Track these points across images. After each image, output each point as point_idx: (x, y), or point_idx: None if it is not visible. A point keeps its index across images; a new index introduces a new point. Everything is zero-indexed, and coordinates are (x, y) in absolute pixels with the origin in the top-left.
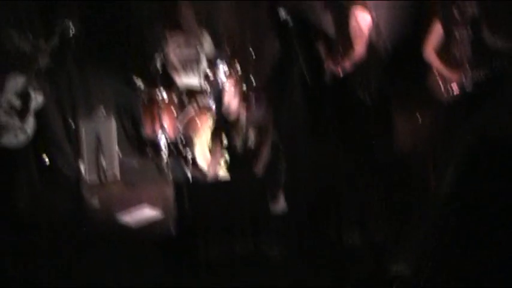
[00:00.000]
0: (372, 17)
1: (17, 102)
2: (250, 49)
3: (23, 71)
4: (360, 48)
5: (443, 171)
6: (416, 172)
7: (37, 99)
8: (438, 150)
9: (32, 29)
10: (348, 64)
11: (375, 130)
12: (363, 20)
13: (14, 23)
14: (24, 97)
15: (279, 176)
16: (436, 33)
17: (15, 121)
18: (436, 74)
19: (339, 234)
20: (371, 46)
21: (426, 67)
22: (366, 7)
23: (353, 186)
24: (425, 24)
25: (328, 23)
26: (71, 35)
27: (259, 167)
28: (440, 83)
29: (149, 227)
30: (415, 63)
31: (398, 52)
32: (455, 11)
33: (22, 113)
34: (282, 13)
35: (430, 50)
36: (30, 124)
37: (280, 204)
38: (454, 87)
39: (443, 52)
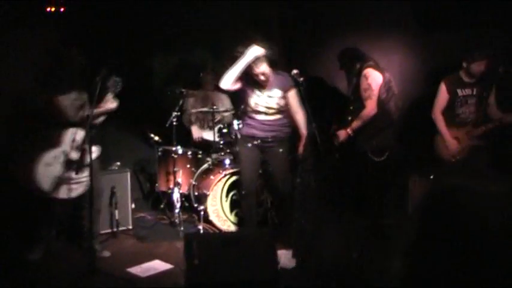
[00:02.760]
0: (384, 77)
1: (74, 156)
2: None
3: (82, 124)
4: (370, 107)
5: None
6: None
7: (91, 153)
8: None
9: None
10: (356, 123)
11: (387, 192)
12: (374, 80)
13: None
14: (82, 151)
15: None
16: (443, 95)
17: (71, 174)
18: (442, 133)
19: None
20: (382, 105)
21: (433, 127)
22: (378, 68)
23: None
24: (432, 87)
25: (341, 83)
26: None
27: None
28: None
29: (160, 280)
30: (423, 124)
31: (409, 112)
32: (462, 75)
33: (78, 167)
34: (297, 74)
35: (437, 111)
36: (84, 178)
37: (291, 263)
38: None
39: (448, 112)
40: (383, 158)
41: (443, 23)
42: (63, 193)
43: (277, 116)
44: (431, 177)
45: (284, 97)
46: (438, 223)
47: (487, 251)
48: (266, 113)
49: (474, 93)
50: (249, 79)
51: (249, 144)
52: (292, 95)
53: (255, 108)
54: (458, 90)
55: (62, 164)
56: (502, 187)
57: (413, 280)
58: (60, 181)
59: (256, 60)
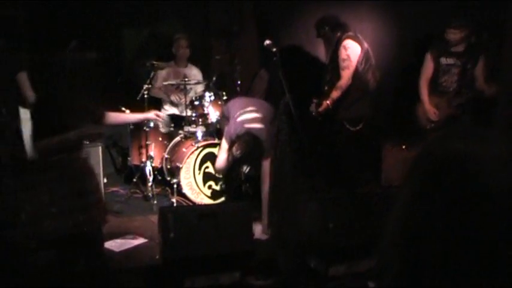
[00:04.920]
0: (362, 48)
1: None
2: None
3: None
4: (346, 77)
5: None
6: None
7: None
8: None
9: None
10: (335, 94)
11: (362, 161)
12: (353, 51)
13: None
14: None
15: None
16: (428, 63)
17: None
18: (423, 103)
19: (326, 267)
20: (360, 76)
21: (413, 98)
22: (357, 38)
23: (339, 218)
24: (411, 56)
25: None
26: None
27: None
28: (424, 112)
29: (134, 255)
30: (402, 94)
31: (387, 83)
32: (445, 46)
33: None
34: (270, 45)
35: (421, 79)
36: None
37: (266, 234)
38: (437, 113)
39: (432, 80)
40: (358, 128)
41: None
42: None
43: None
44: (404, 147)
45: None
46: (444, 196)
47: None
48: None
49: (458, 63)
50: None
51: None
52: None
53: None
54: (442, 59)
55: None
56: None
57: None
58: None
59: None
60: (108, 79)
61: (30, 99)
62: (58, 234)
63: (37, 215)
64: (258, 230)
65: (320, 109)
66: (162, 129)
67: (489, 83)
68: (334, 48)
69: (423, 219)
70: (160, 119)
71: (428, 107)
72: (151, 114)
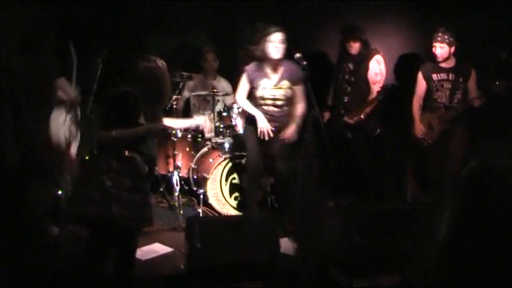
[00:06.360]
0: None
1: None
2: None
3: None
4: (376, 91)
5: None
6: None
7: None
8: None
9: None
10: (369, 107)
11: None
12: (383, 66)
13: None
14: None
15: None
16: (420, 81)
17: None
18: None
19: (349, 281)
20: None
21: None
22: (381, 54)
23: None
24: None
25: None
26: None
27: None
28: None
29: (160, 263)
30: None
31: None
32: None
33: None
34: (300, 58)
35: (414, 97)
36: None
37: (291, 247)
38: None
39: (427, 97)
40: (377, 133)
41: (441, 8)
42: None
43: (284, 108)
44: None
45: (291, 88)
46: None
47: None
48: (273, 105)
49: (450, 78)
50: (257, 69)
51: (254, 129)
52: (301, 88)
53: (261, 100)
54: (434, 75)
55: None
56: None
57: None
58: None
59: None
60: None
61: (74, 98)
62: (114, 222)
63: (103, 197)
64: (284, 242)
65: (352, 121)
66: (208, 135)
67: (480, 93)
68: (358, 61)
69: (470, 231)
70: (208, 126)
71: (418, 125)
72: (201, 121)
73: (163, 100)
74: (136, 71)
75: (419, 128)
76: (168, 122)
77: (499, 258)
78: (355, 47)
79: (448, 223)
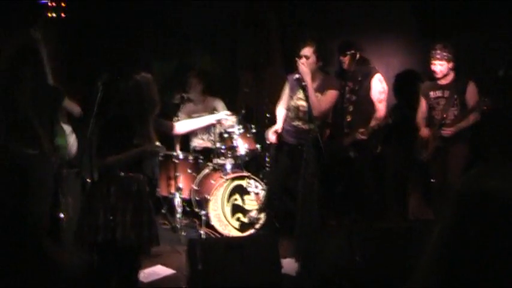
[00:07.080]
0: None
1: None
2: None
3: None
4: (384, 110)
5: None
6: None
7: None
8: None
9: None
10: (374, 125)
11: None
12: (385, 84)
13: None
14: None
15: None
16: (421, 100)
17: None
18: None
19: None
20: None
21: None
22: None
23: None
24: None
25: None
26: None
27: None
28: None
29: (162, 286)
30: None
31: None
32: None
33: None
34: (301, 78)
35: (418, 117)
36: None
37: (294, 268)
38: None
39: (428, 114)
40: (378, 151)
41: (443, 26)
42: None
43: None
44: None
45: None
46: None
47: None
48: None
49: (444, 95)
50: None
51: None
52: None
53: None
54: (431, 93)
55: None
56: None
57: None
58: None
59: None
60: None
61: (77, 114)
62: (119, 246)
63: (107, 223)
64: (286, 262)
65: (365, 137)
66: (229, 129)
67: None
68: (358, 80)
69: (461, 249)
70: (230, 119)
71: (422, 130)
72: (222, 115)
73: (153, 110)
74: (119, 92)
75: (424, 132)
76: (188, 123)
77: (493, 277)
78: (345, 62)
79: (442, 239)
